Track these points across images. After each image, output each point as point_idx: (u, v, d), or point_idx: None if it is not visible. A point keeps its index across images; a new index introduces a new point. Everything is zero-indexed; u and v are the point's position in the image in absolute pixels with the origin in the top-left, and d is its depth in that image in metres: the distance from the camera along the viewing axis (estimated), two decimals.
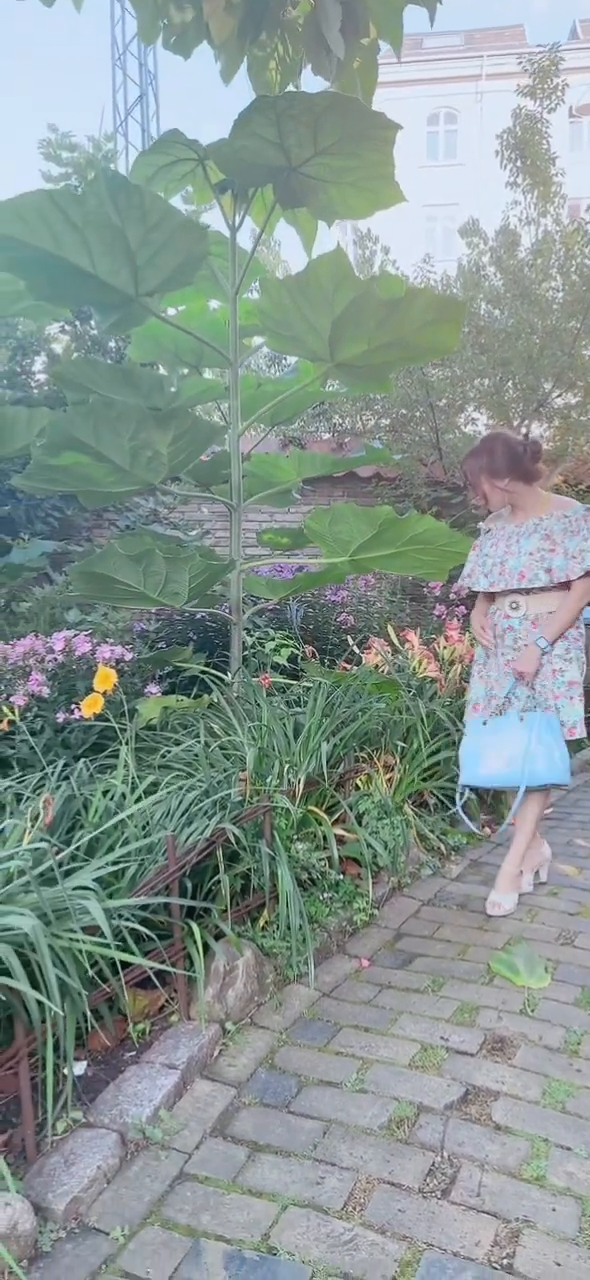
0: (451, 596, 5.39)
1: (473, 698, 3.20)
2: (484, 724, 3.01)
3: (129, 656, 3.28)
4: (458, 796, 3.16)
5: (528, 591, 2.97)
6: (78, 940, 1.79)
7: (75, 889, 1.96)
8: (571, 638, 2.95)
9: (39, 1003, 1.71)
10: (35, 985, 1.74)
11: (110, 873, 2.20)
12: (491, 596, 3.16)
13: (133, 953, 2.06)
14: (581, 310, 6.37)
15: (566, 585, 2.92)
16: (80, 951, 1.82)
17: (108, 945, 1.83)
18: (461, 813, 3.16)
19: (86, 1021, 2.00)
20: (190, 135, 3.38)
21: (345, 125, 2.91)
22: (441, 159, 27.67)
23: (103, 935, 1.84)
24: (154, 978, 2.14)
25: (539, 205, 7.06)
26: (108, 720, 2.84)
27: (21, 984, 1.56)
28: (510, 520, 3.09)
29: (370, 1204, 1.73)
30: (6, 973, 1.62)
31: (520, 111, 6.91)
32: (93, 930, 1.90)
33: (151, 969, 2.06)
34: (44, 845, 1.96)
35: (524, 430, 7.31)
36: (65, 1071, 1.89)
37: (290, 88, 3.44)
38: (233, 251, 3.61)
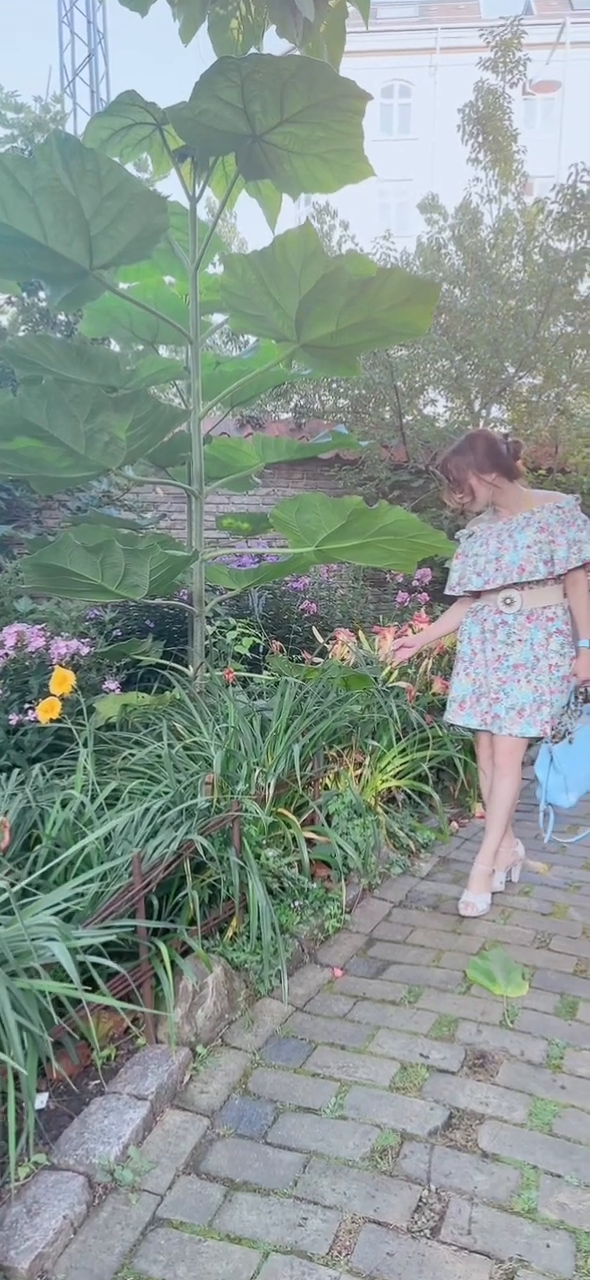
0: (414, 583, 5.32)
1: (458, 695, 3.10)
2: (571, 743, 2.86)
3: (85, 651, 3.11)
4: (542, 816, 2.96)
5: (523, 586, 2.92)
6: (39, 983, 1.64)
7: (35, 918, 1.81)
8: (566, 633, 2.92)
9: None
10: None
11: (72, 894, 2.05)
12: (475, 595, 3.10)
13: (96, 980, 1.92)
14: (544, 292, 6.31)
15: (556, 579, 2.92)
16: (42, 993, 1.67)
17: (73, 986, 1.68)
18: (547, 828, 2.97)
19: (48, 1045, 1.86)
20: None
21: (313, 92, 2.75)
22: (395, 133, 27.42)
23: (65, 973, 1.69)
24: (118, 1005, 2.00)
25: (500, 183, 6.97)
26: (64, 722, 2.67)
27: None
28: (495, 519, 3.03)
29: (357, 1247, 1.63)
30: None
31: (482, 85, 6.79)
32: (53, 965, 1.74)
33: (120, 1007, 1.91)
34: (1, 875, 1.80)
35: (483, 413, 7.25)
36: (25, 1104, 1.74)
37: (252, 50, 3.26)
38: (192, 223, 3.42)
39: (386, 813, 3.51)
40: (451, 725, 3.18)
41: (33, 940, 1.67)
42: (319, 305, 2.99)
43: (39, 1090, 1.93)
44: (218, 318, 4.09)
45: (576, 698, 2.89)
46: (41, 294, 6.45)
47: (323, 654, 4.41)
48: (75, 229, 2.90)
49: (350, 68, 3.42)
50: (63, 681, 2.47)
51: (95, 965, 1.90)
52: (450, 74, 24.85)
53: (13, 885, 1.81)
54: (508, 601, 2.95)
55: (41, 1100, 1.92)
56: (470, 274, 6.83)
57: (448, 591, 3.14)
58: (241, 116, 2.93)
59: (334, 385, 7.84)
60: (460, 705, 3.09)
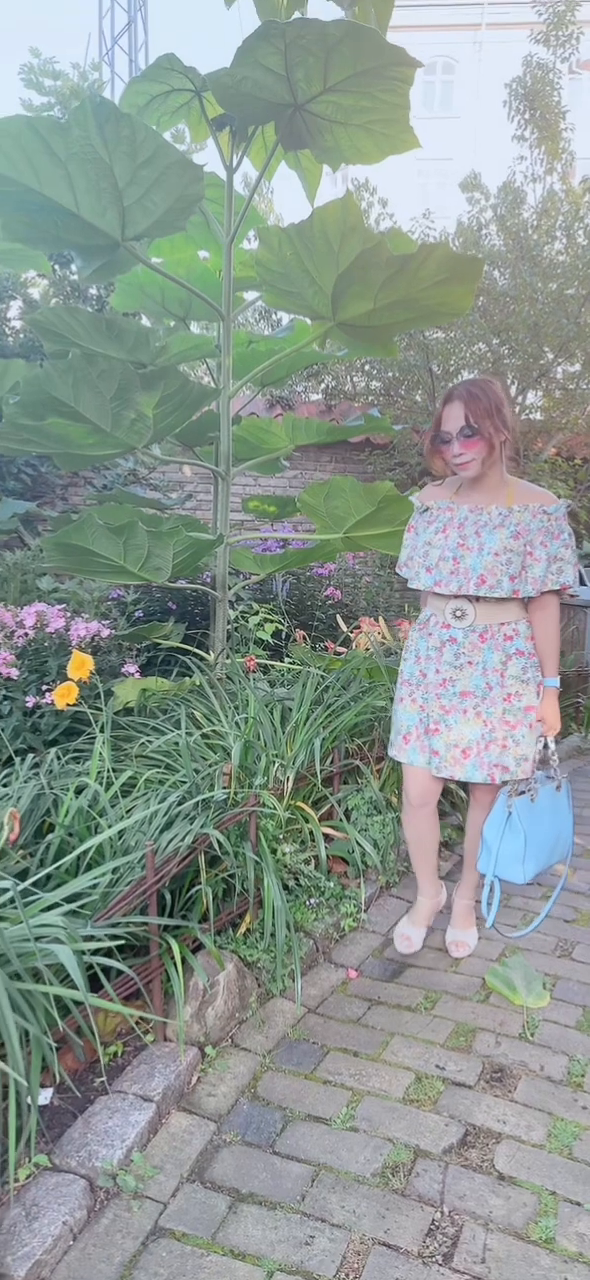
0: None
1: (402, 726, 2.51)
2: (510, 812, 2.33)
3: (106, 633, 3.05)
4: (487, 892, 2.41)
5: (477, 599, 2.37)
6: (42, 988, 1.58)
7: (43, 911, 1.76)
8: (528, 654, 2.38)
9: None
10: None
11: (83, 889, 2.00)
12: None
13: (106, 972, 1.87)
14: (588, 276, 6.09)
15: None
16: (46, 996, 1.62)
17: (79, 991, 1.62)
18: (491, 909, 2.41)
19: (52, 1049, 1.81)
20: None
21: (359, 60, 2.63)
22: (437, 110, 26.87)
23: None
24: (124, 1010, 1.95)
25: (546, 162, 6.75)
26: (79, 706, 2.62)
27: None
28: (461, 499, 2.43)
29: (365, 1271, 1.57)
30: None
31: (531, 60, 6.56)
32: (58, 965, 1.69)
33: (127, 1013, 1.86)
34: (8, 869, 1.75)
35: (520, 399, 7.07)
36: (28, 1101, 1.70)
37: (296, 15, 3.14)
38: (229, 195, 3.32)
39: None
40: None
41: (38, 940, 1.62)
42: (357, 282, 2.88)
43: (43, 1086, 1.88)
44: (252, 294, 3.99)
45: (545, 747, 2.40)
46: (73, 266, 6.38)
47: (346, 643, 4.32)
48: (108, 198, 2.82)
49: (392, 42, 3.27)
50: (81, 666, 2.41)
51: (104, 964, 1.85)
52: (496, 50, 24.26)
53: (21, 880, 1.76)
54: (458, 614, 2.40)
55: (45, 1096, 1.88)
56: (511, 255, 6.64)
57: (397, 569, 2.61)
58: (284, 84, 2.82)
59: (366, 367, 7.70)
60: (405, 738, 2.50)
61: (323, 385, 8.09)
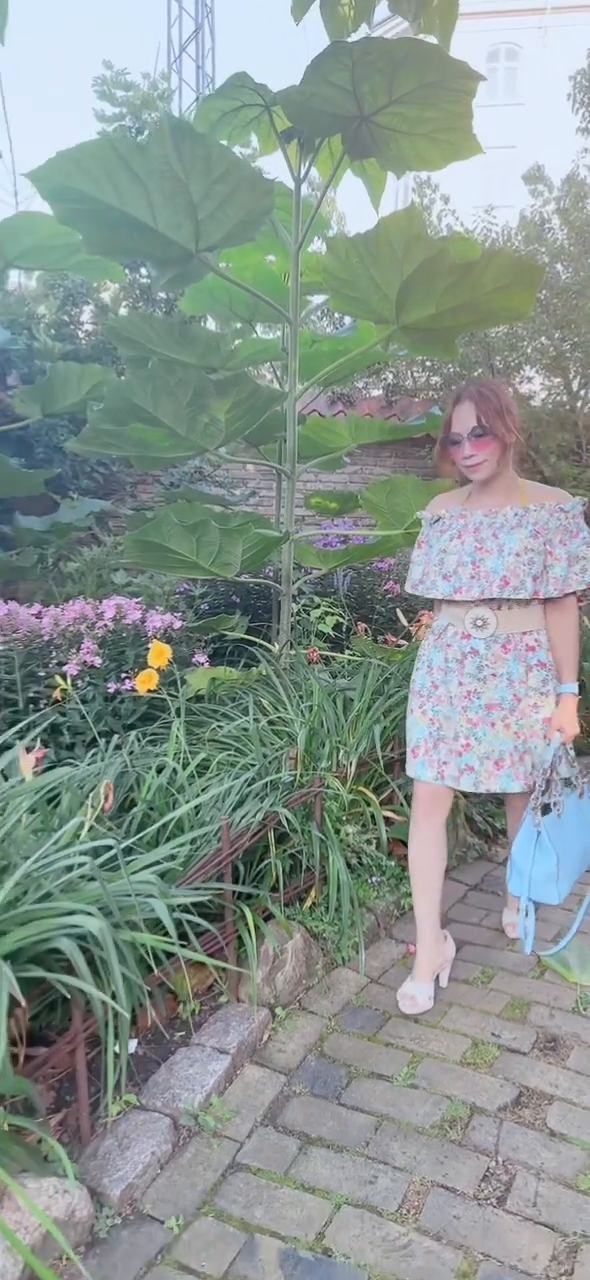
0: None
1: (412, 739, 2.43)
2: (539, 831, 2.24)
3: (178, 625, 3.24)
4: (523, 916, 2.30)
5: (499, 604, 2.31)
6: (140, 936, 1.77)
7: (134, 874, 1.94)
8: (549, 666, 2.34)
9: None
10: (93, 970, 1.73)
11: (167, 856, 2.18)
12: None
13: (186, 935, 2.05)
14: None
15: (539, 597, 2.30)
16: (143, 946, 1.81)
17: (171, 940, 1.80)
18: (528, 934, 2.29)
19: (148, 995, 2.00)
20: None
21: (424, 74, 2.74)
22: (500, 98, 26.42)
23: (163, 926, 1.81)
24: (209, 961, 2.13)
25: None
26: (157, 692, 2.81)
27: (88, 985, 1.54)
28: (472, 505, 2.38)
29: (425, 1208, 1.71)
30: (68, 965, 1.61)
31: None
32: (149, 919, 1.87)
33: (211, 964, 2.04)
34: (104, 832, 1.94)
35: (583, 393, 7.04)
36: (117, 1050, 1.89)
37: (363, 25, 3.27)
38: (296, 204, 3.46)
39: (466, 796, 3.53)
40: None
41: (135, 896, 1.81)
42: (420, 288, 2.99)
43: (130, 1037, 2.07)
44: (317, 298, 4.13)
45: (564, 756, 2.31)
46: (143, 270, 6.62)
47: (407, 636, 4.43)
48: (184, 212, 2.98)
49: (456, 29, 3.36)
50: (160, 655, 2.60)
51: (189, 920, 2.03)
52: (561, 35, 23.76)
53: (117, 839, 1.95)
54: (479, 623, 2.31)
55: (131, 1045, 2.07)
56: (574, 249, 6.62)
57: (408, 589, 2.52)
58: (350, 98, 2.94)
59: (427, 362, 7.75)
60: (413, 751, 2.42)
61: (383, 381, 8.17)
